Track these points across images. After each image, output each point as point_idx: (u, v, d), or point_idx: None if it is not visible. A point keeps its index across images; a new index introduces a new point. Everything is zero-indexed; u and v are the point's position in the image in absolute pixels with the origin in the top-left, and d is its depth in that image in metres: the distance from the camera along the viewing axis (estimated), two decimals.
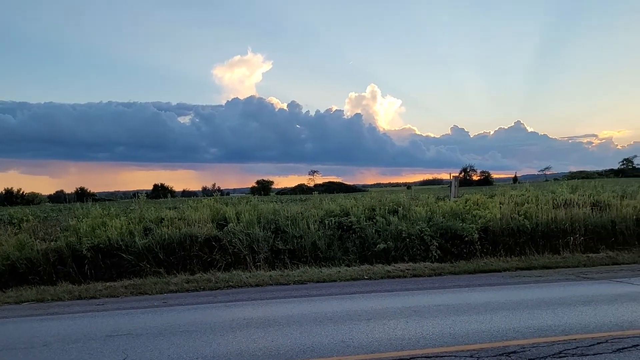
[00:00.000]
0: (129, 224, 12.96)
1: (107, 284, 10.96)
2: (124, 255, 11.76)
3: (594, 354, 5.17)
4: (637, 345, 5.42)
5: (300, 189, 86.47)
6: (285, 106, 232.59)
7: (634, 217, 14.29)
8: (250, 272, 11.51)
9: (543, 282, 9.99)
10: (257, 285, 10.47)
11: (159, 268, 11.67)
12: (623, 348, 5.33)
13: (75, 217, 13.95)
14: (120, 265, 11.74)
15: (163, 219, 13.32)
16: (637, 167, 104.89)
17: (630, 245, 13.69)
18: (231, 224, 12.74)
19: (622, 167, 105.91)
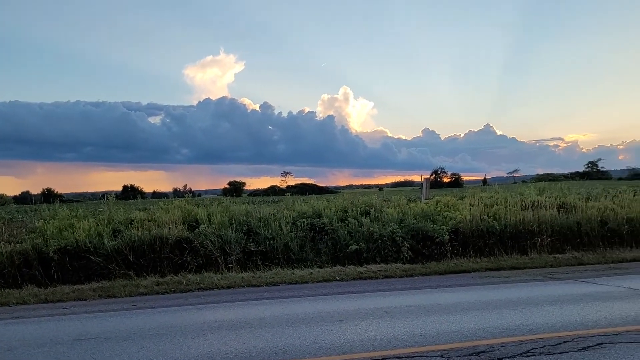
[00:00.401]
0: (98, 225, 12.72)
1: (75, 286, 10.72)
2: (92, 257, 11.52)
3: (560, 353, 5.28)
4: (602, 343, 5.56)
5: (273, 191, 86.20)
6: (257, 107, 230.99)
7: (599, 218, 14.69)
8: (222, 274, 11.42)
9: (511, 283, 10.17)
10: (229, 287, 10.39)
11: (129, 270, 11.48)
12: (588, 347, 5.47)
13: (41, 219, 13.62)
14: (88, 267, 11.50)
15: (133, 220, 13.12)
16: (601, 170, 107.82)
17: (595, 246, 14.05)
18: (203, 226, 12.62)
19: (587, 169, 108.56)
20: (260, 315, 7.70)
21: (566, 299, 8.18)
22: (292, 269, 11.77)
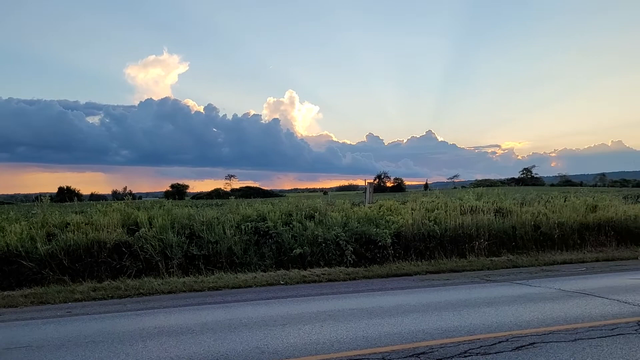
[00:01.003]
0: (31, 228, 12.12)
1: (5, 293, 10.18)
2: (24, 262, 10.97)
3: (495, 353, 5.47)
4: (534, 343, 5.80)
5: (217, 194, 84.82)
6: (201, 109, 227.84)
7: (532, 223, 15.35)
8: (162, 278, 11.15)
9: (450, 285, 10.45)
10: (169, 292, 10.15)
11: (63, 276, 11.01)
12: (521, 346, 5.68)
13: None
14: (19, 273, 10.94)
15: (69, 223, 12.59)
16: (535, 176, 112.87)
17: (529, 249, 14.67)
18: (143, 229, 12.27)
19: (522, 176, 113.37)
20: (202, 320, 7.56)
21: (502, 301, 8.49)
22: (236, 273, 11.64)
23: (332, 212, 14.79)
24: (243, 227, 13.07)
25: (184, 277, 11.36)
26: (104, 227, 12.29)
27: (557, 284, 10.01)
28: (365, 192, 20.52)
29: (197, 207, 16.62)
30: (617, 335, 6.08)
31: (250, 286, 10.65)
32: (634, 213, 16.90)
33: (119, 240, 11.78)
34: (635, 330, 6.31)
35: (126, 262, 11.49)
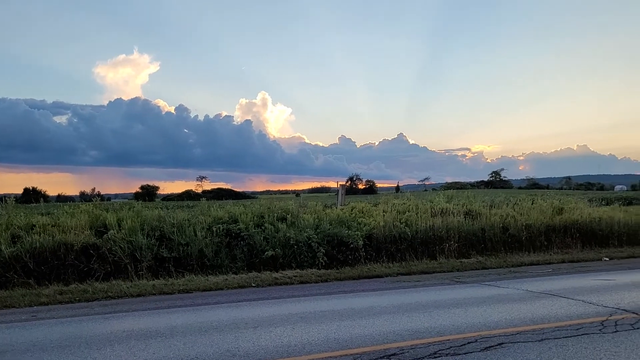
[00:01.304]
0: None
1: None
2: None
3: (465, 353, 5.55)
4: (502, 343, 5.90)
5: (188, 195, 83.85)
6: (172, 109, 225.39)
7: (500, 225, 15.63)
8: (131, 281, 10.97)
9: (421, 287, 10.56)
10: (138, 296, 9.99)
11: (29, 279, 10.74)
12: (490, 346, 5.78)
13: None
14: None
15: (34, 225, 12.27)
16: (504, 179, 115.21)
17: (497, 251, 14.93)
18: (112, 231, 12.05)
19: (491, 179, 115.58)
20: (172, 324, 7.46)
21: (471, 302, 8.61)
22: (207, 276, 11.54)
23: (305, 214, 14.79)
24: (214, 229, 12.96)
25: (153, 280, 11.20)
26: (71, 229, 12.02)
27: (524, 285, 10.21)
28: (337, 194, 20.60)
29: (168, 209, 16.44)
30: (582, 335, 6.24)
31: (222, 289, 10.56)
32: (599, 216, 17.37)
33: (86, 243, 11.54)
34: (599, 330, 6.48)
35: (94, 264, 11.27)
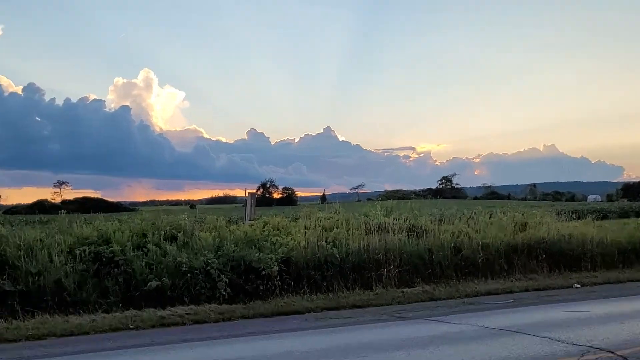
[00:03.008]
0: None
1: None
2: None
3: None
4: None
5: (42, 207, 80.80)
6: (19, 90, 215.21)
7: (452, 245, 16.12)
8: None
9: (353, 325, 10.71)
10: None
11: None
12: None
13: None
14: None
15: None
16: (456, 186, 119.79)
17: (448, 278, 15.39)
18: None
19: (441, 186, 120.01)
20: None
21: (415, 342, 8.83)
22: (67, 316, 11.18)
23: (202, 231, 14.62)
24: (78, 252, 12.57)
25: None
26: None
27: (480, 320, 10.61)
28: (245, 206, 20.50)
29: (12, 225, 15.81)
30: None
31: (87, 333, 10.28)
32: (569, 232, 18.29)
33: None
34: None
35: None
